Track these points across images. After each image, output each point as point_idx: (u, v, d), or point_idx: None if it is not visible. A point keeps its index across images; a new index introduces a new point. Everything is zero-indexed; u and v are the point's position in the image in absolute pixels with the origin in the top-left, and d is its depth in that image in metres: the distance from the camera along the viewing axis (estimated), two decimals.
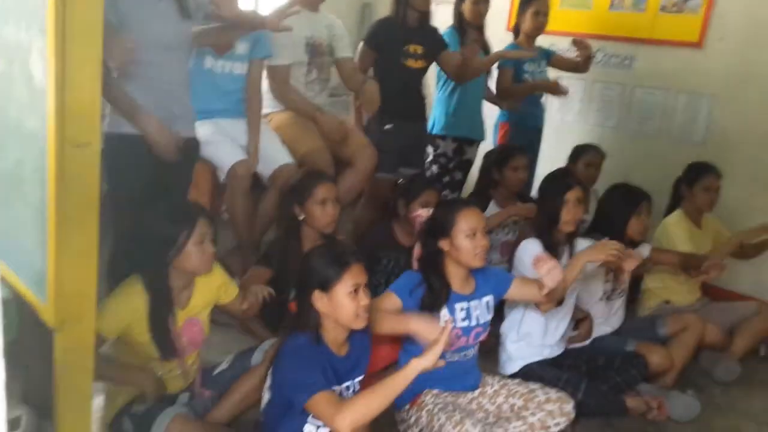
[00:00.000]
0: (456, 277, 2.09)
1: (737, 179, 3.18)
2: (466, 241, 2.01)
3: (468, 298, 2.12)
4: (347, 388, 1.84)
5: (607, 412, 2.43)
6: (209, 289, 2.02)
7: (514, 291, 2.19)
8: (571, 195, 2.39)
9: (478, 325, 2.14)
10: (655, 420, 2.46)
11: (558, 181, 2.47)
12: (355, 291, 1.72)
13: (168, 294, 1.87)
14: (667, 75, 3.72)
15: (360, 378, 1.88)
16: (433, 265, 2.07)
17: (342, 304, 1.71)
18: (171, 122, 2.32)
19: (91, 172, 1.27)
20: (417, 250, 2.13)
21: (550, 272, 2.03)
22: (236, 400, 1.94)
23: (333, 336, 1.78)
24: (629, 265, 2.29)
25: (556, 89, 3.57)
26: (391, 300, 2.05)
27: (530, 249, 2.39)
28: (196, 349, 1.99)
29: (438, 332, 1.68)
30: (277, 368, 1.76)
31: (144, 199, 2.25)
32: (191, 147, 2.46)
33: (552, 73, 3.89)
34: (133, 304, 1.83)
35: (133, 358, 1.89)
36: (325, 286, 1.71)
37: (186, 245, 1.83)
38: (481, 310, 2.16)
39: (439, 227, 2.05)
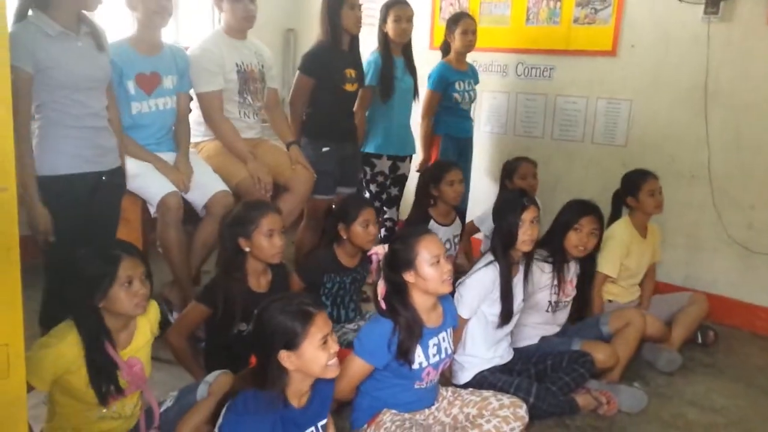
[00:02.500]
0: (424, 308, 2.07)
1: (660, 177, 3.31)
2: (432, 269, 2.00)
3: (437, 331, 2.12)
4: None
5: (559, 412, 2.46)
6: (149, 327, 1.96)
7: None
8: (527, 215, 2.41)
9: (446, 356, 2.16)
10: (606, 414, 2.52)
11: (513, 201, 2.48)
12: (324, 342, 1.65)
13: (104, 337, 1.79)
14: (585, 83, 3.88)
15: (323, 422, 1.83)
16: (401, 300, 2.04)
17: (313, 359, 1.64)
18: (102, 157, 2.33)
19: (8, 218, 1.23)
20: (381, 288, 2.08)
21: None
22: None
23: (297, 388, 1.71)
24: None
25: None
26: (359, 366, 2.02)
27: (487, 278, 2.44)
28: (138, 390, 1.91)
29: None
30: (225, 422, 1.67)
31: (70, 238, 2.20)
32: (120, 175, 2.45)
33: (479, 88, 3.99)
34: (66, 352, 1.75)
35: (71, 404, 1.81)
36: (292, 345, 1.63)
37: (111, 288, 1.77)
38: (448, 339, 2.17)
39: (401, 260, 2.02)
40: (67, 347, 1.75)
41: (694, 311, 3.14)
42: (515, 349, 2.67)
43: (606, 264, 3.00)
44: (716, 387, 2.83)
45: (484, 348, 2.52)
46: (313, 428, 1.79)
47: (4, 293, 1.21)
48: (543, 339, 2.76)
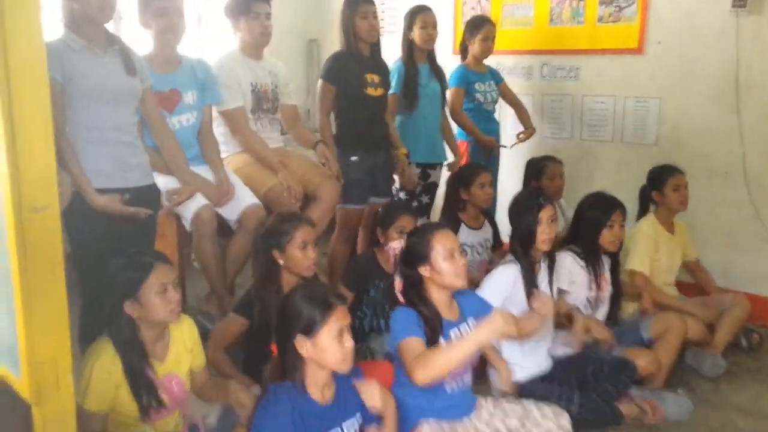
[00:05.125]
0: (440, 303, 2.06)
1: (693, 175, 3.25)
2: (446, 263, 1.99)
3: (457, 323, 2.09)
4: None
5: (603, 421, 2.40)
6: (184, 340, 1.95)
7: None
8: (544, 213, 2.38)
9: None
10: (651, 423, 2.45)
11: (529, 201, 2.45)
12: (340, 334, 1.66)
13: (139, 346, 1.81)
14: (612, 82, 3.83)
15: (352, 419, 1.80)
16: (417, 294, 2.03)
17: (328, 349, 1.65)
18: (125, 173, 2.31)
19: (53, 235, 1.23)
20: (398, 283, 2.08)
21: (544, 305, 2.10)
22: None
23: (314, 380, 1.71)
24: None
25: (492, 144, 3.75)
26: (416, 343, 1.95)
27: (506, 275, 2.41)
28: (177, 408, 1.90)
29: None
30: (255, 417, 1.68)
31: (106, 253, 2.18)
32: (151, 194, 2.43)
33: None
34: (110, 366, 1.76)
35: (113, 419, 1.81)
36: (309, 331, 1.65)
37: (145, 294, 1.78)
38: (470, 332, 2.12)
39: (417, 254, 2.02)
40: (109, 360, 1.76)
41: (736, 313, 3.05)
42: (553, 357, 2.61)
43: (636, 260, 2.96)
44: (765, 392, 2.74)
45: (520, 354, 2.47)
46: (338, 428, 1.76)
47: (50, 309, 1.22)
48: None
